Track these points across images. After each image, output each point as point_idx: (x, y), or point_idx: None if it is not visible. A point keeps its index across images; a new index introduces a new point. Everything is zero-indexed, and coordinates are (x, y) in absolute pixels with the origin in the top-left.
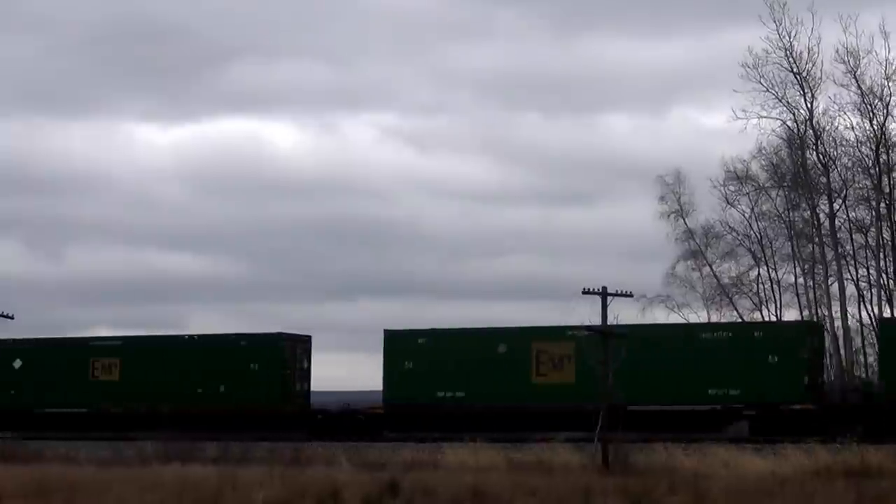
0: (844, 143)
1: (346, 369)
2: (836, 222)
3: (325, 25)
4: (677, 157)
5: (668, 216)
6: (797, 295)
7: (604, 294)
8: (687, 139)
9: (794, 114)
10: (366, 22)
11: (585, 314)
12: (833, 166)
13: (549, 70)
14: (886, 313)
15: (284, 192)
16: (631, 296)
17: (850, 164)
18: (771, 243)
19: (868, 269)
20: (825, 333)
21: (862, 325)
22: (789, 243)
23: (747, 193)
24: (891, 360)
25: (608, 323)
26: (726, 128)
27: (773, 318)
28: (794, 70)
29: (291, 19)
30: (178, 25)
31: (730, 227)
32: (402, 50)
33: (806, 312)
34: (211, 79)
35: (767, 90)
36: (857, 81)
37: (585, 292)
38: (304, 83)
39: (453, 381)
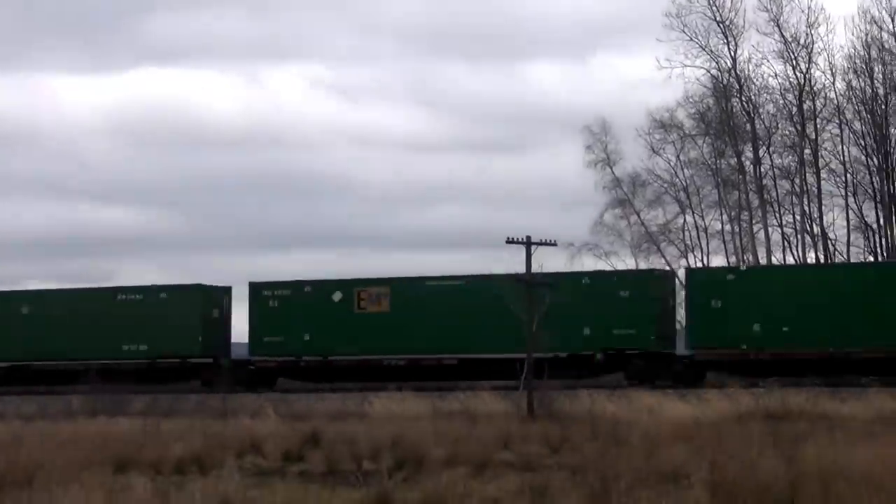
0: (768, 90)
1: None
2: (762, 169)
3: None
4: (602, 106)
5: (596, 165)
6: (724, 242)
7: (528, 243)
8: (611, 87)
9: (717, 62)
10: None
11: (512, 263)
12: (757, 114)
13: (472, 19)
14: (811, 258)
15: (213, 145)
16: (555, 244)
17: (774, 112)
18: (697, 191)
19: (793, 215)
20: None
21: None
22: (715, 191)
23: (672, 142)
24: (693, 309)
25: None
26: (651, 76)
27: (700, 265)
28: (718, 19)
29: None
30: None
31: (656, 175)
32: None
33: (732, 259)
34: (133, 30)
35: (691, 39)
36: (779, 29)
37: (510, 241)
38: (227, 34)
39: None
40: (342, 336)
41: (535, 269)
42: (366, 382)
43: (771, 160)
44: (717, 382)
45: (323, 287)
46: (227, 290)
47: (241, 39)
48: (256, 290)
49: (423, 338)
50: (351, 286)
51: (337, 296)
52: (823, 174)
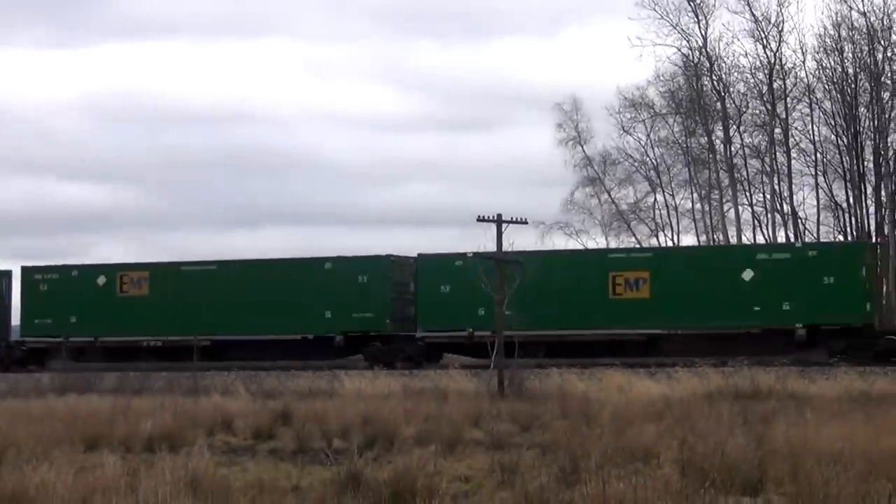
0: (739, 69)
1: None
2: (732, 148)
3: None
4: (572, 84)
5: (566, 143)
6: (694, 220)
7: (498, 221)
8: (581, 65)
9: (688, 41)
10: None
11: (482, 241)
12: (728, 93)
13: None
14: (781, 237)
15: (182, 121)
16: (526, 223)
17: (744, 91)
18: (668, 169)
19: (764, 194)
20: None
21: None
22: (686, 169)
23: (643, 120)
24: (424, 294)
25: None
26: (620, 54)
27: (671, 244)
28: None
29: None
30: None
31: (627, 153)
32: None
33: (703, 238)
34: (102, 5)
35: (662, 17)
36: (750, 8)
37: (480, 220)
38: (197, 9)
39: None
40: (106, 318)
41: (506, 247)
42: (128, 363)
43: (741, 139)
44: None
45: (89, 272)
46: (7, 274)
47: (210, 15)
48: (28, 273)
49: (179, 320)
50: (114, 271)
51: (101, 280)
52: (794, 153)
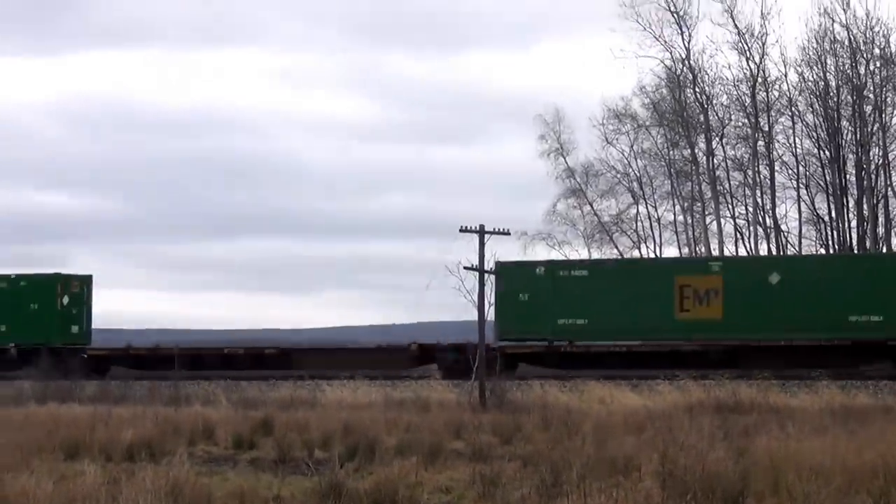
0: (722, 81)
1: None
2: (715, 160)
3: None
4: (551, 95)
5: (549, 155)
6: (676, 233)
7: (481, 232)
8: (560, 77)
9: (671, 53)
10: None
11: (463, 252)
12: (711, 105)
13: (413, 7)
14: (763, 250)
15: (157, 129)
16: (508, 233)
17: (727, 103)
18: (651, 181)
19: (746, 206)
20: None
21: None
22: (668, 181)
23: (626, 132)
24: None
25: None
26: (602, 65)
27: (653, 255)
28: (672, 9)
29: None
30: None
31: (609, 165)
32: None
33: (685, 250)
34: (77, 14)
35: (645, 29)
36: (733, 20)
37: (463, 230)
38: (171, 18)
39: None
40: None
41: (488, 258)
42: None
43: (724, 151)
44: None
45: None
46: (87, 280)
47: (186, 24)
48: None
49: None
50: None
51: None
52: (776, 166)
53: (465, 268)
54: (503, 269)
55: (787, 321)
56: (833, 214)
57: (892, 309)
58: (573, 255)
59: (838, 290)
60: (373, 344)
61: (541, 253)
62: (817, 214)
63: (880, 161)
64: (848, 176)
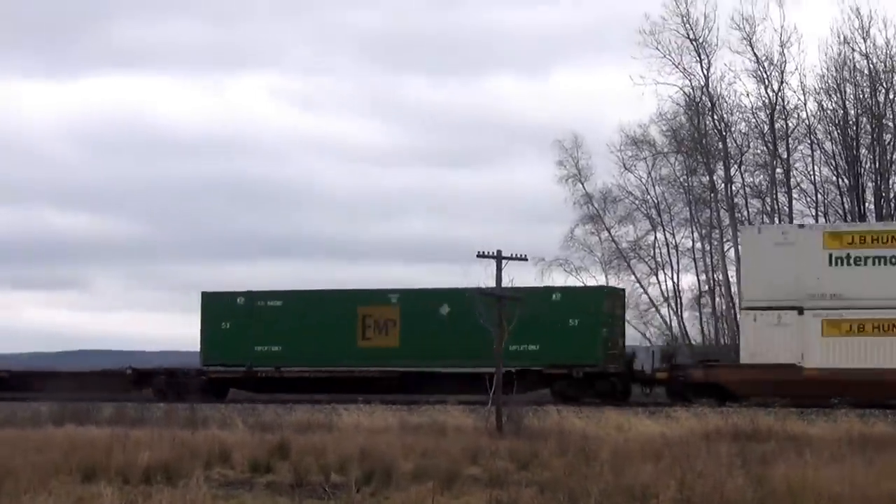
0: (741, 109)
1: None
2: (733, 188)
3: None
4: (566, 120)
5: (567, 180)
6: (694, 259)
7: (498, 257)
8: (572, 102)
9: (690, 80)
10: None
11: (481, 277)
12: (729, 132)
13: (430, 31)
14: None
15: (174, 152)
16: (526, 259)
17: (746, 131)
18: (669, 208)
19: None
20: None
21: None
22: (687, 208)
23: (644, 158)
24: None
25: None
26: (614, 91)
27: (671, 282)
28: (691, 37)
29: None
30: None
31: (627, 191)
32: (285, 9)
33: (703, 277)
34: (95, 36)
35: (664, 56)
36: (752, 48)
37: (480, 255)
38: (188, 42)
39: None
40: None
41: (505, 283)
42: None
43: (742, 179)
44: None
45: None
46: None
47: (202, 47)
48: (208, 299)
49: None
50: None
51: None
52: (795, 194)
53: (481, 293)
54: (208, 298)
55: (455, 350)
56: None
57: (547, 339)
58: (590, 282)
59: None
60: (88, 368)
61: (558, 279)
62: None
63: None
64: (867, 204)
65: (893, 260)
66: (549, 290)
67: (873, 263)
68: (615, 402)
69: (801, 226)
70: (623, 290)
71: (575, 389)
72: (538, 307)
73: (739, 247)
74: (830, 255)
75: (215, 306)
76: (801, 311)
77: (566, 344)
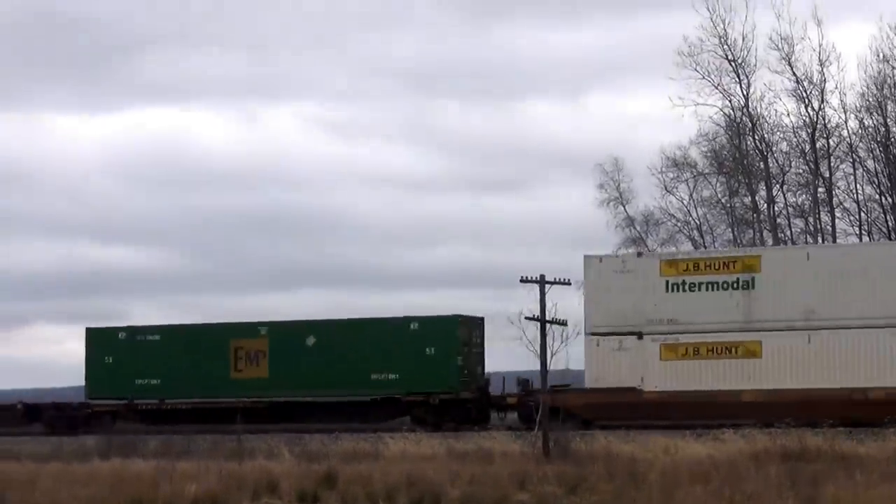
0: (781, 129)
1: None
2: (775, 208)
3: (241, 14)
4: (603, 144)
5: (608, 204)
6: None
7: (542, 282)
8: (608, 125)
9: (730, 101)
10: (283, 11)
11: (524, 302)
12: (770, 152)
13: (466, 58)
14: None
15: (212, 183)
16: (569, 283)
17: (787, 150)
18: (711, 229)
19: None
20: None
21: None
22: (729, 229)
23: (686, 180)
24: None
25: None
26: (651, 113)
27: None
28: (729, 57)
29: (207, 8)
30: (92, 14)
31: (669, 213)
32: (320, 39)
33: None
34: (129, 69)
35: (703, 77)
36: (791, 68)
37: (524, 280)
38: (223, 72)
39: None
40: None
41: (549, 308)
42: None
43: (785, 199)
44: None
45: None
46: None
47: (238, 78)
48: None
49: None
50: None
51: None
52: (837, 213)
53: (525, 318)
54: (92, 333)
55: (320, 379)
56: None
57: (406, 367)
58: None
59: (362, 351)
60: None
61: None
62: None
63: None
64: None
65: (724, 285)
66: (407, 320)
67: (706, 289)
68: (472, 426)
69: (640, 254)
70: (482, 318)
71: (433, 416)
72: (398, 336)
73: (583, 276)
74: (667, 282)
75: (98, 341)
76: (640, 335)
77: (423, 372)
